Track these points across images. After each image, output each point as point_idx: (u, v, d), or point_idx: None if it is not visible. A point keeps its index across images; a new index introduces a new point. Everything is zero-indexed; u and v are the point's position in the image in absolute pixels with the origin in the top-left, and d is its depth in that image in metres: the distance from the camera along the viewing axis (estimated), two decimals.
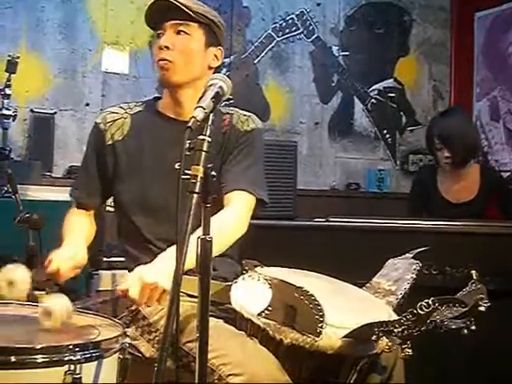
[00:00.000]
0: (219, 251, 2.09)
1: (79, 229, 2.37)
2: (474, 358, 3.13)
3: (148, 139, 2.38)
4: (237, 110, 2.47)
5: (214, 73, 2.39)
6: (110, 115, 2.42)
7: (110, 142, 2.39)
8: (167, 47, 2.29)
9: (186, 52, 2.31)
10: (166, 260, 1.93)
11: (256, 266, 2.15)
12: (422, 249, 2.29)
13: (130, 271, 2.40)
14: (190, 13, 2.29)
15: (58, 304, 1.82)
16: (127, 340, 1.76)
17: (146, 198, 2.34)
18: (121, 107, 2.46)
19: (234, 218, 2.24)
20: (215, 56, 2.39)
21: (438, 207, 4.15)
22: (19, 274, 1.96)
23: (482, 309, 1.90)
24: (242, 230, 2.25)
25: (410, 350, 1.77)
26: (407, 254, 2.27)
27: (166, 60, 2.29)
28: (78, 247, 2.20)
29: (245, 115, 2.45)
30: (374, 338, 1.78)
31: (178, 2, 2.27)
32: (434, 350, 2.91)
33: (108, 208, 2.73)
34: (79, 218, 2.42)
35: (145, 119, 2.42)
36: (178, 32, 2.31)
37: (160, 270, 1.93)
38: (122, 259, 2.45)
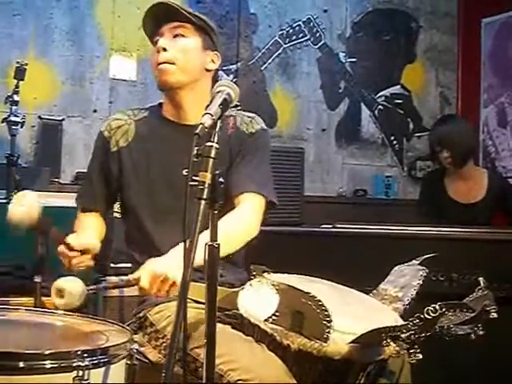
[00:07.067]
0: (227, 253, 2.11)
1: (89, 224, 2.41)
2: (483, 364, 3.13)
3: (153, 144, 2.39)
4: (240, 112, 2.48)
5: (213, 77, 2.45)
6: (114, 122, 2.45)
7: (115, 149, 2.41)
8: (165, 49, 2.32)
9: (185, 52, 2.34)
10: (178, 253, 1.93)
11: (264, 272, 2.15)
12: (429, 255, 2.29)
13: None
14: (188, 15, 2.33)
15: (71, 283, 1.86)
16: (135, 346, 1.76)
17: (153, 201, 2.35)
18: (125, 114, 2.48)
19: (243, 219, 2.25)
20: (212, 60, 2.42)
21: (446, 208, 4.27)
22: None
23: (494, 315, 1.91)
24: (253, 232, 2.26)
25: (417, 355, 1.77)
26: (414, 261, 2.27)
27: (165, 63, 2.32)
28: (89, 236, 2.25)
29: (249, 117, 2.47)
30: (381, 343, 1.78)
31: (177, 5, 2.32)
32: (443, 355, 2.90)
33: (115, 214, 2.74)
34: (88, 218, 2.45)
35: (149, 125, 2.44)
36: (175, 36, 2.35)
37: (170, 262, 1.97)
38: (129, 265, 2.45)
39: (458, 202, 4.26)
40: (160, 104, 2.51)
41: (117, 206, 2.56)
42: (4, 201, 3.60)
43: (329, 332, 1.80)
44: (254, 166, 2.37)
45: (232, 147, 2.37)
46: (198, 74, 2.38)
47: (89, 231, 2.34)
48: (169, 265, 1.96)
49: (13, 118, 3.68)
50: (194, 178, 1.63)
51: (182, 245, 1.76)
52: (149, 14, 2.36)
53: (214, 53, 2.43)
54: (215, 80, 2.46)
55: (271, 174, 2.46)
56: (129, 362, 1.73)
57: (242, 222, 2.23)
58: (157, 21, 2.35)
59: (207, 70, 2.41)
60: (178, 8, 2.32)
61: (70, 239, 2.13)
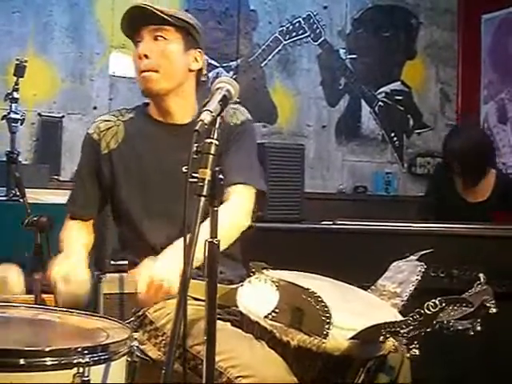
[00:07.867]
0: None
1: (77, 234, 2.38)
2: (482, 359, 3.13)
3: (142, 145, 2.36)
4: None
5: (197, 75, 2.39)
6: (102, 124, 2.41)
7: (105, 151, 2.38)
8: (146, 56, 2.28)
9: (167, 57, 2.29)
10: (175, 255, 1.89)
11: (263, 269, 2.15)
12: (426, 251, 2.29)
13: None
14: (166, 17, 2.27)
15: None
16: (135, 343, 1.76)
17: (146, 202, 2.33)
18: (113, 115, 2.44)
19: (231, 214, 2.16)
20: (195, 58, 2.37)
21: (454, 206, 4.24)
22: (12, 274, 1.98)
23: (493, 310, 1.91)
24: (241, 226, 2.23)
25: (416, 351, 1.77)
26: (412, 257, 2.26)
27: (148, 71, 2.28)
28: (77, 267, 2.18)
29: (232, 108, 2.41)
30: (380, 338, 1.79)
31: (153, 8, 2.26)
32: (442, 351, 2.91)
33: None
34: (76, 230, 2.41)
35: (137, 125, 2.40)
36: (156, 38, 2.30)
37: (168, 266, 1.94)
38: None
39: (464, 200, 4.24)
40: (145, 103, 2.48)
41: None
42: (4, 198, 3.61)
43: (328, 328, 1.80)
44: (240, 157, 2.33)
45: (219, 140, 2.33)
46: (181, 78, 2.34)
47: (76, 244, 2.31)
48: (166, 270, 1.94)
49: (13, 115, 3.69)
50: (193, 174, 1.63)
51: (178, 243, 1.74)
52: (126, 17, 2.31)
53: (196, 50, 2.37)
54: (200, 79, 2.41)
55: (258, 163, 2.42)
56: (129, 359, 1.73)
57: (230, 217, 2.14)
58: (134, 24, 2.31)
59: (190, 71, 2.37)
60: (153, 10, 2.26)
61: (60, 283, 2.09)
